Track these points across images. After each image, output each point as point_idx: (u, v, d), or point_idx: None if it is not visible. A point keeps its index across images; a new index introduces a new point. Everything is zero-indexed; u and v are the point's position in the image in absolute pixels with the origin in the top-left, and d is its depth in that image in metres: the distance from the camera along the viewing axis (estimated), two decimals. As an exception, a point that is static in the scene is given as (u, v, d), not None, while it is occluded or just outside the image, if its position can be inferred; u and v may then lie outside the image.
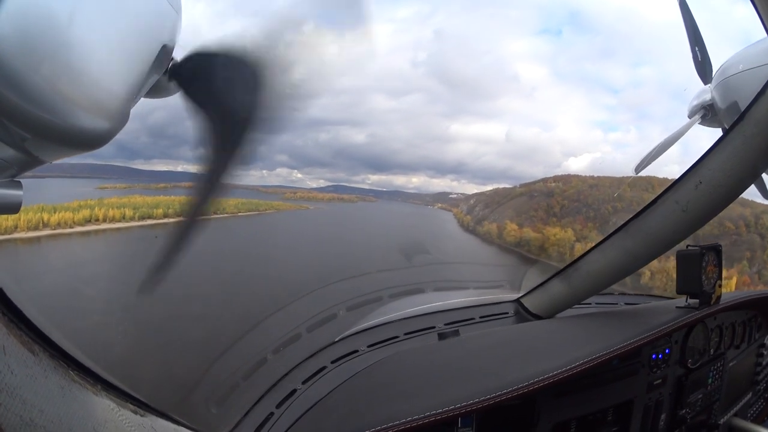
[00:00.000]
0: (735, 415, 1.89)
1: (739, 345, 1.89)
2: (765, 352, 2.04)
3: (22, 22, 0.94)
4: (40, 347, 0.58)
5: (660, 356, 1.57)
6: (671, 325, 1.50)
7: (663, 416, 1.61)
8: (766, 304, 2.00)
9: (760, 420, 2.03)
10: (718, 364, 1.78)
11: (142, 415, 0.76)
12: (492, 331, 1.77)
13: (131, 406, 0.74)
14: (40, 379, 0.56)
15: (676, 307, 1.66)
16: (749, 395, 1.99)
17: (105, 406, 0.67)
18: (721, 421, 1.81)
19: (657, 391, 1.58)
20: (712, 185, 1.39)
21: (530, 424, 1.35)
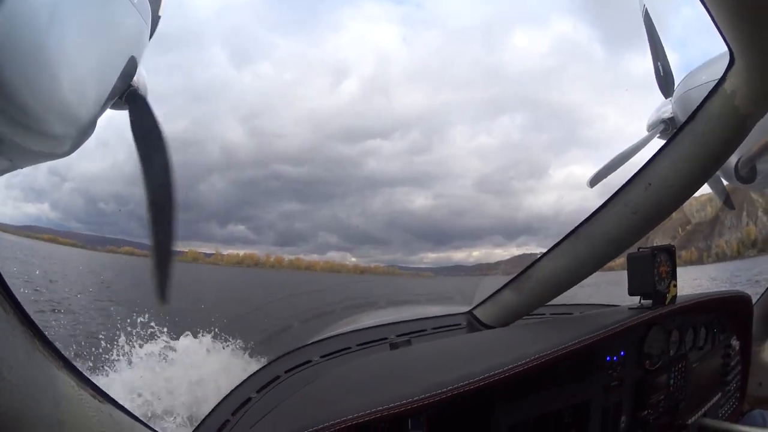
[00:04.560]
0: (704, 415, 1.86)
1: (702, 347, 1.86)
2: (732, 353, 2.02)
3: (4, 27, 0.92)
4: (10, 306, 0.59)
5: (615, 358, 1.53)
6: (623, 324, 1.46)
7: (623, 418, 1.56)
8: (727, 306, 1.99)
9: (733, 419, 2.01)
10: (680, 366, 1.74)
11: (100, 402, 0.78)
12: (444, 340, 1.76)
13: (90, 390, 0.75)
14: (9, 336, 0.58)
15: (629, 308, 1.63)
16: (718, 395, 1.97)
17: (66, 382, 0.68)
18: (690, 422, 1.78)
19: (615, 392, 1.53)
20: (661, 186, 1.37)
21: (484, 427, 1.30)
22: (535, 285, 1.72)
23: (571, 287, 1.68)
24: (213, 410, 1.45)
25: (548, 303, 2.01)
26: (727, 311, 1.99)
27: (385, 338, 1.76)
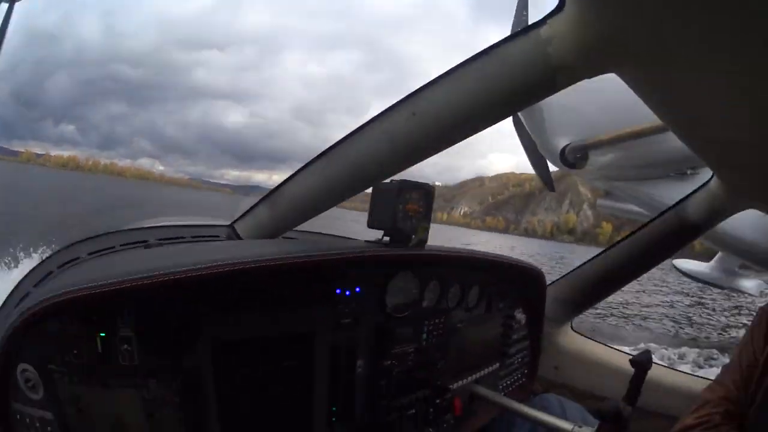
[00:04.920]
0: (476, 382, 1.85)
1: (472, 309, 1.83)
2: (515, 325, 2.00)
3: None
4: None
5: (348, 293, 1.45)
6: (344, 253, 1.39)
7: (360, 362, 1.50)
8: (513, 275, 1.96)
9: (519, 396, 2.01)
10: (437, 321, 1.70)
11: None
12: (189, 245, 1.69)
13: None
14: None
15: (366, 241, 1.56)
16: (496, 366, 1.96)
17: None
18: (454, 386, 1.75)
19: (345, 331, 1.45)
20: (427, 119, 1.21)
21: (192, 337, 1.15)
22: (288, 202, 1.58)
23: (324, 210, 1.54)
24: (18, 285, 1.47)
25: (316, 231, 1.93)
26: (516, 281, 1.96)
27: (146, 240, 1.66)
